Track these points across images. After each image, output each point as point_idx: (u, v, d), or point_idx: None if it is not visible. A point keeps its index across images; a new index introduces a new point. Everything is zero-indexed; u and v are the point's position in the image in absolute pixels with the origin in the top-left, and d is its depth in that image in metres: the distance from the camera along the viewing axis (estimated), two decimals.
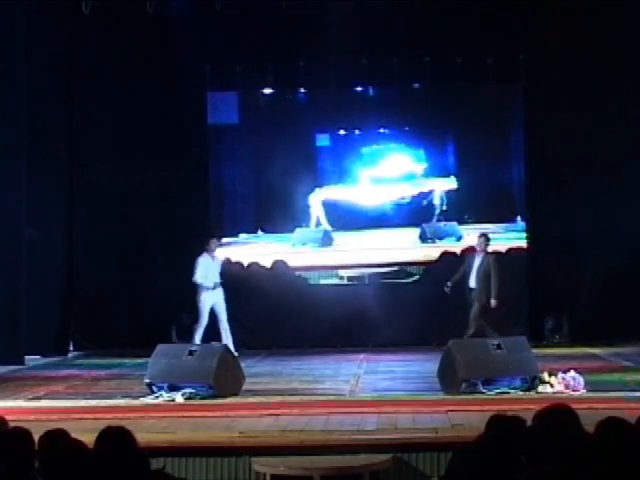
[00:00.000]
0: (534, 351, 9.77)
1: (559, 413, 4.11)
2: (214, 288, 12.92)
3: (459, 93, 14.50)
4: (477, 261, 12.77)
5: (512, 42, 14.19)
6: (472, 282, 12.71)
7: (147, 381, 9.48)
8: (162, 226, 14.47)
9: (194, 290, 13.19)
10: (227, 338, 12.85)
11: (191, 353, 9.56)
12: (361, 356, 13.05)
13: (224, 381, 9.42)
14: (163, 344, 10.08)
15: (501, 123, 14.64)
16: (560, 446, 3.94)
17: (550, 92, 14.01)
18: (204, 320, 12.95)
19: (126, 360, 12.92)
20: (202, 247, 13.03)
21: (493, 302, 12.54)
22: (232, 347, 12.58)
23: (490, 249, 12.88)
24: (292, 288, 14.78)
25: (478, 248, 12.88)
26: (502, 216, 14.97)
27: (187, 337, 14.19)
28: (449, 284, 12.70)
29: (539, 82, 14.11)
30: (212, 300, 12.96)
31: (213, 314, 13.00)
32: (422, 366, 11.71)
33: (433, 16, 14.04)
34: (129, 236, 14.46)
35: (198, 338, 12.81)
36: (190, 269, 14.29)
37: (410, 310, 13.78)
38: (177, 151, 14.46)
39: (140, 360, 11.46)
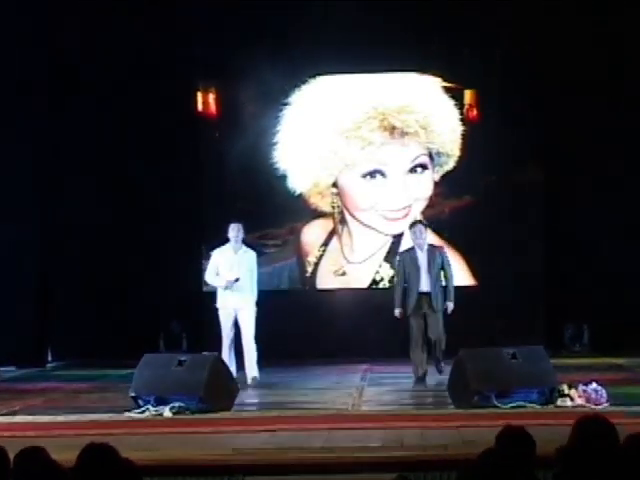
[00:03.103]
0: (552, 361, 9.76)
1: (596, 424, 4.13)
2: (226, 288, 11.31)
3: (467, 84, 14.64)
4: (422, 258, 11.45)
5: (520, 34, 14.23)
6: (424, 285, 11.37)
7: (132, 394, 9.47)
8: (149, 226, 14.47)
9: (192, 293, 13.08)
10: (249, 361, 11.31)
11: (180, 363, 9.57)
12: (365, 366, 13.06)
13: (216, 394, 9.42)
14: (150, 354, 10.09)
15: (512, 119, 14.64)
16: (597, 460, 3.97)
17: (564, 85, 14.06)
18: (224, 334, 11.33)
19: (110, 371, 12.91)
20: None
21: (451, 306, 11.46)
22: (254, 372, 11.34)
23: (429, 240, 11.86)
24: (289, 293, 14.80)
25: (420, 241, 11.57)
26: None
27: (176, 346, 14.21)
28: (398, 310, 11.52)
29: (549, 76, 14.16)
30: (231, 305, 11.36)
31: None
32: (431, 378, 11.71)
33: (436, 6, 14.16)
34: (113, 237, 14.46)
35: (226, 358, 10.95)
36: (180, 272, 14.29)
37: None
38: (166, 144, 14.47)
39: (125, 371, 11.45)
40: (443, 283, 11.59)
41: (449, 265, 11.65)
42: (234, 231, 11.38)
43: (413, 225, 11.96)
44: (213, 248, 12.11)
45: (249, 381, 11.30)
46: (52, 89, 14.57)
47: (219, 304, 11.52)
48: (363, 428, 8.30)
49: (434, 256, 11.51)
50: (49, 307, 14.67)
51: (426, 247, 11.56)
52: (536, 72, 14.42)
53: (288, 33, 14.33)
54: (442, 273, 11.57)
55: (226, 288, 11.35)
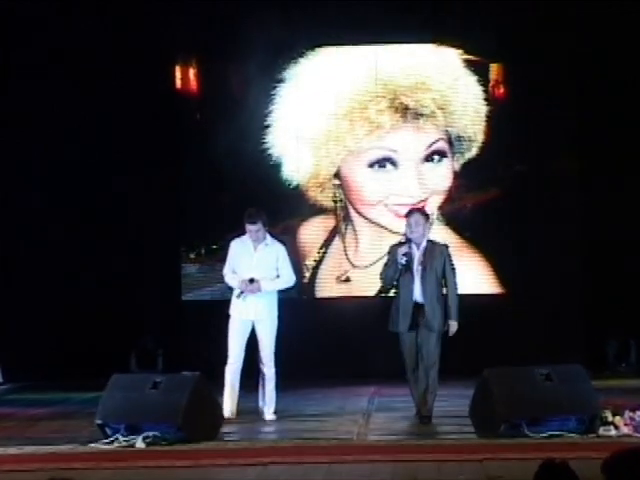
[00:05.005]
0: (593, 383, 9.77)
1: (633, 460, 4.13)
2: (239, 295, 10.56)
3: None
4: (418, 257, 10.33)
5: None
6: (418, 293, 10.29)
7: (99, 421, 9.49)
8: (118, 224, 14.48)
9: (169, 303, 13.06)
10: (268, 391, 10.74)
11: (155, 385, 9.59)
12: (372, 389, 13.09)
13: (197, 421, 9.43)
14: (119, 374, 10.08)
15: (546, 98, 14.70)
16: None
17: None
18: (232, 349, 10.70)
19: (72, 395, 12.95)
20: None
21: (453, 326, 10.37)
22: (270, 412, 10.71)
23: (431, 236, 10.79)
24: (284, 302, 14.79)
25: (415, 235, 10.35)
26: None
27: (150, 365, 14.20)
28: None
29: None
30: (248, 315, 10.67)
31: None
32: (450, 402, 11.70)
33: None
34: (74, 238, 14.45)
35: (229, 380, 10.69)
36: (155, 278, 14.27)
37: None
38: (138, 127, 14.49)
39: (90, 394, 11.48)
40: (444, 292, 10.44)
41: (452, 270, 10.41)
42: (249, 227, 10.54)
43: (410, 214, 10.56)
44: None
45: (266, 417, 10.78)
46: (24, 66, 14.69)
47: (232, 311, 10.78)
48: (370, 461, 8.31)
49: (433, 256, 10.34)
50: None
51: (424, 244, 10.39)
52: (573, 44, 14.47)
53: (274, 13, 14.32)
54: (443, 280, 10.39)
55: (239, 295, 10.61)
